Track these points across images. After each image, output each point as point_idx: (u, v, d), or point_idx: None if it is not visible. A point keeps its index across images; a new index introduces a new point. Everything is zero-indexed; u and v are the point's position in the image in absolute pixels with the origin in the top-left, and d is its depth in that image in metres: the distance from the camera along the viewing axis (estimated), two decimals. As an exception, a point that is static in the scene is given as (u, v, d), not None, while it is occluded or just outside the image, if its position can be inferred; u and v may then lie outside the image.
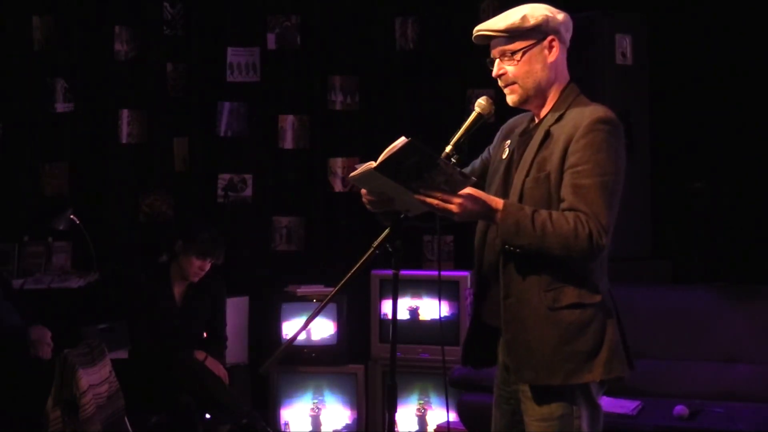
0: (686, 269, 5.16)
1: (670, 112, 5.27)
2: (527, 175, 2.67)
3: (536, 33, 2.70)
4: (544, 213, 2.56)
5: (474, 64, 3.71)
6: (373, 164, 2.50)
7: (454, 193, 2.52)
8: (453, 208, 2.53)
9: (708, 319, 4.59)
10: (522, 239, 2.56)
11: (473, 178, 2.57)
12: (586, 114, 2.64)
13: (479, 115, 2.74)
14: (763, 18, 5.05)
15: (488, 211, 2.58)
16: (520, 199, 2.66)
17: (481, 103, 2.75)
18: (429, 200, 2.53)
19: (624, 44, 5.01)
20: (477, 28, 2.77)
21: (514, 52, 2.71)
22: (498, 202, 2.58)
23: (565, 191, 2.59)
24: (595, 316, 2.64)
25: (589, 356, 2.62)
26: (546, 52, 2.71)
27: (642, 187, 5.10)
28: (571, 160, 2.60)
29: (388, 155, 2.45)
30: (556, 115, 2.71)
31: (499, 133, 2.94)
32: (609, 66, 4.98)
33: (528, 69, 2.71)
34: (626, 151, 2.67)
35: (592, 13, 4.93)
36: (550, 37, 2.71)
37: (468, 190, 2.55)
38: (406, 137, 2.43)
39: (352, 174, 2.60)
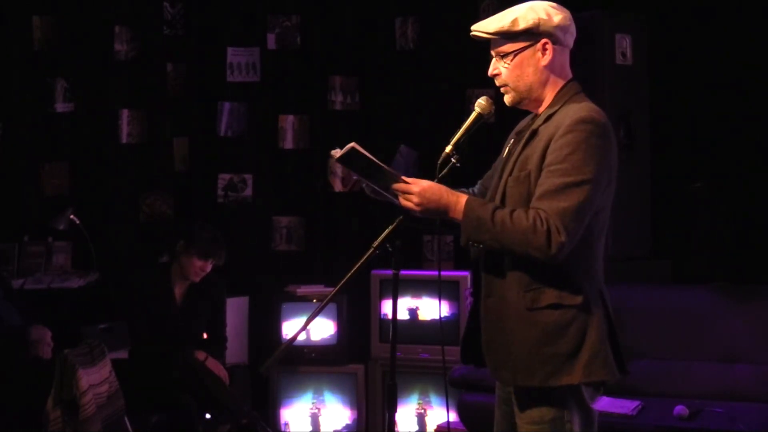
0: (686, 269, 5.16)
1: (670, 112, 5.26)
2: (510, 174, 2.67)
3: (527, 36, 2.67)
4: (506, 210, 2.55)
5: (474, 64, 3.71)
6: (350, 146, 2.60)
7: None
8: (412, 200, 2.59)
9: (708, 319, 4.59)
10: (482, 234, 2.55)
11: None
12: (570, 113, 2.61)
13: (479, 115, 2.74)
14: (763, 18, 5.05)
15: (449, 205, 2.59)
16: (503, 197, 2.65)
17: (481, 103, 2.75)
18: (388, 195, 2.61)
19: (624, 44, 5.01)
20: (472, 27, 2.76)
21: (505, 54, 2.70)
22: (461, 198, 2.59)
23: (537, 190, 2.57)
24: (576, 318, 2.59)
25: (569, 358, 2.58)
26: (539, 55, 2.68)
27: (642, 187, 5.10)
28: (548, 159, 2.58)
29: (339, 156, 2.59)
30: (548, 114, 2.69)
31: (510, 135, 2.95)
32: (609, 66, 4.97)
33: (519, 72, 2.70)
34: (615, 151, 2.63)
35: (592, 13, 4.92)
36: (543, 41, 2.67)
37: (429, 182, 2.59)
38: (355, 143, 2.55)
39: (335, 154, 2.68)
